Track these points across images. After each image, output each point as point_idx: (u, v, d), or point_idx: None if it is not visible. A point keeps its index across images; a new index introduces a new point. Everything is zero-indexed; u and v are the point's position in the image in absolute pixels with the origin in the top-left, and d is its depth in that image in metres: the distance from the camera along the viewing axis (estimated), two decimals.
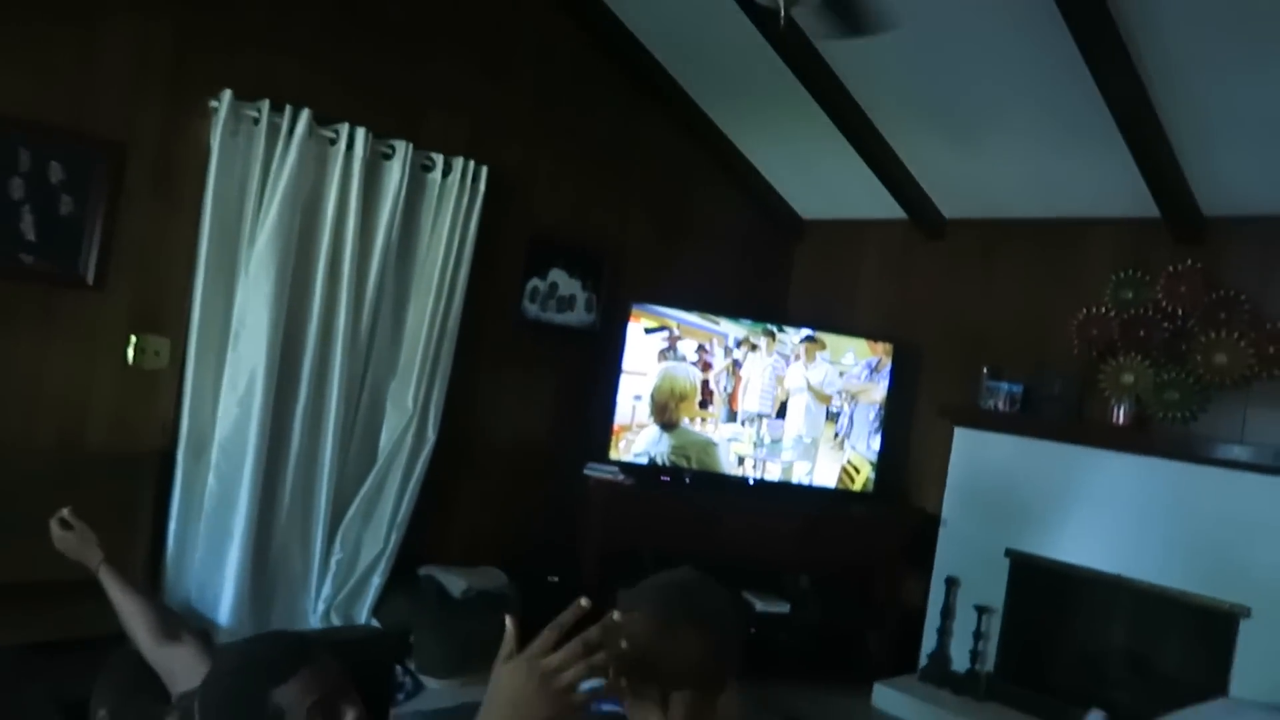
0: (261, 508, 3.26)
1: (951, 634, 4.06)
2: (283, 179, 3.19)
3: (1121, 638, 3.82)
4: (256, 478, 3.22)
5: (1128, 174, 3.56)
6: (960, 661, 4.02)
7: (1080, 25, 2.96)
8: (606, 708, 1.31)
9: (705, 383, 4.16)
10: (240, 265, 3.19)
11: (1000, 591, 3.99)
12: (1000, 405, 4.04)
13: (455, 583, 3.50)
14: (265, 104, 3.16)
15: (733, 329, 4.20)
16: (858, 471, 4.38)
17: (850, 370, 4.36)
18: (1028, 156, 3.88)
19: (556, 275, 4.13)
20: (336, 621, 3.41)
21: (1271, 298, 3.52)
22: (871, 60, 3.67)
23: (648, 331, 4.04)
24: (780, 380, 4.28)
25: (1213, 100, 3.16)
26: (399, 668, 3.15)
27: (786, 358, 4.28)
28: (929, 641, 4.13)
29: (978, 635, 3.96)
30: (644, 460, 4.06)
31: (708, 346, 4.16)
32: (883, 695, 3.96)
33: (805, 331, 4.30)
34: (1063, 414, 3.93)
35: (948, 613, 4.07)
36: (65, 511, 1.85)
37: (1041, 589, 3.93)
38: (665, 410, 4.10)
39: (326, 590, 3.45)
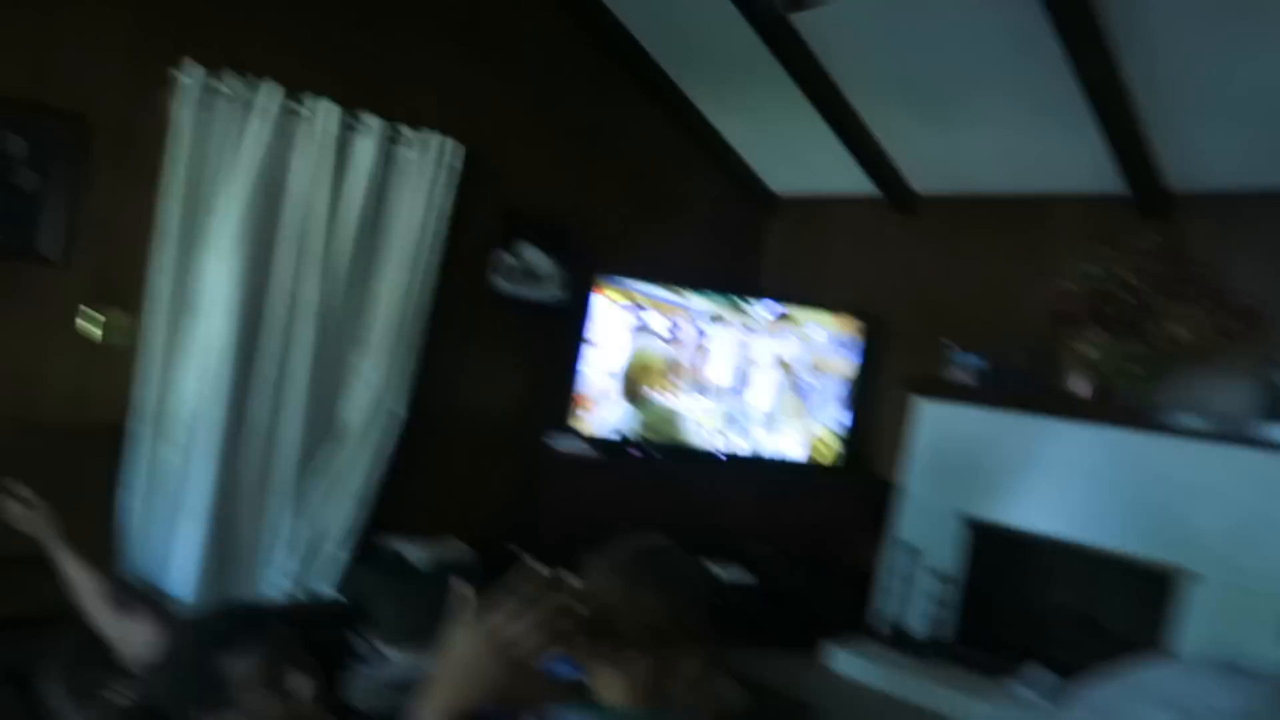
0: (222, 481, 3.27)
1: (908, 599, 4.18)
2: (248, 152, 3.18)
3: (1072, 599, 3.95)
4: (217, 451, 3.23)
5: (1097, 149, 3.61)
6: (916, 625, 4.14)
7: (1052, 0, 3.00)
8: (566, 671, 1.33)
9: (673, 356, 4.20)
10: (204, 238, 3.18)
11: (957, 557, 4.11)
12: (964, 378, 4.13)
13: (418, 554, 3.57)
14: (231, 76, 3.15)
15: (701, 303, 4.25)
16: (825, 445, 4.46)
17: (819, 344, 4.42)
18: (998, 131, 3.92)
19: (527, 250, 4.15)
20: (297, 594, 3.46)
21: (1234, 272, 3.61)
22: (845, 34, 3.69)
23: (615, 305, 4.08)
24: (748, 354, 4.34)
25: (1183, 75, 3.22)
26: (359, 638, 3.22)
27: (755, 331, 4.34)
28: (886, 606, 4.25)
29: (934, 599, 4.08)
30: (611, 434, 4.12)
31: (675, 320, 4.20)
32: (837, 657, 4.08)
33: (774, 305, 4.36)
34: (1025, 386, 4.02)
35: (905, 578, 4.18)
36: (18, 490, 1.88)
37: (997, 554, 4.05)
38: (633, 384, 4.15)
39: (287, 563, 3.48)
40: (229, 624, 1.47)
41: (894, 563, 4.23)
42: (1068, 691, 3.18)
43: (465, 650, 1.14)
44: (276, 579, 3.47)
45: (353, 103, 3.43)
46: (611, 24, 4.16)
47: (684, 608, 1.26)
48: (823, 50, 3.85)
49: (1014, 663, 3.71)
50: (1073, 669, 3.33)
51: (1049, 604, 3.99)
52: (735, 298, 4.29)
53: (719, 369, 4.29)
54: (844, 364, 4.45)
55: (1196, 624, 3.46)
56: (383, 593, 3.44)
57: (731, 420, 4.32)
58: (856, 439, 4.51)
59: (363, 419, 3.58)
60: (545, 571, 1.17)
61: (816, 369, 4.41)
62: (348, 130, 3.43)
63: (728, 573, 4.13)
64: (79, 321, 3.08)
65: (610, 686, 1.25)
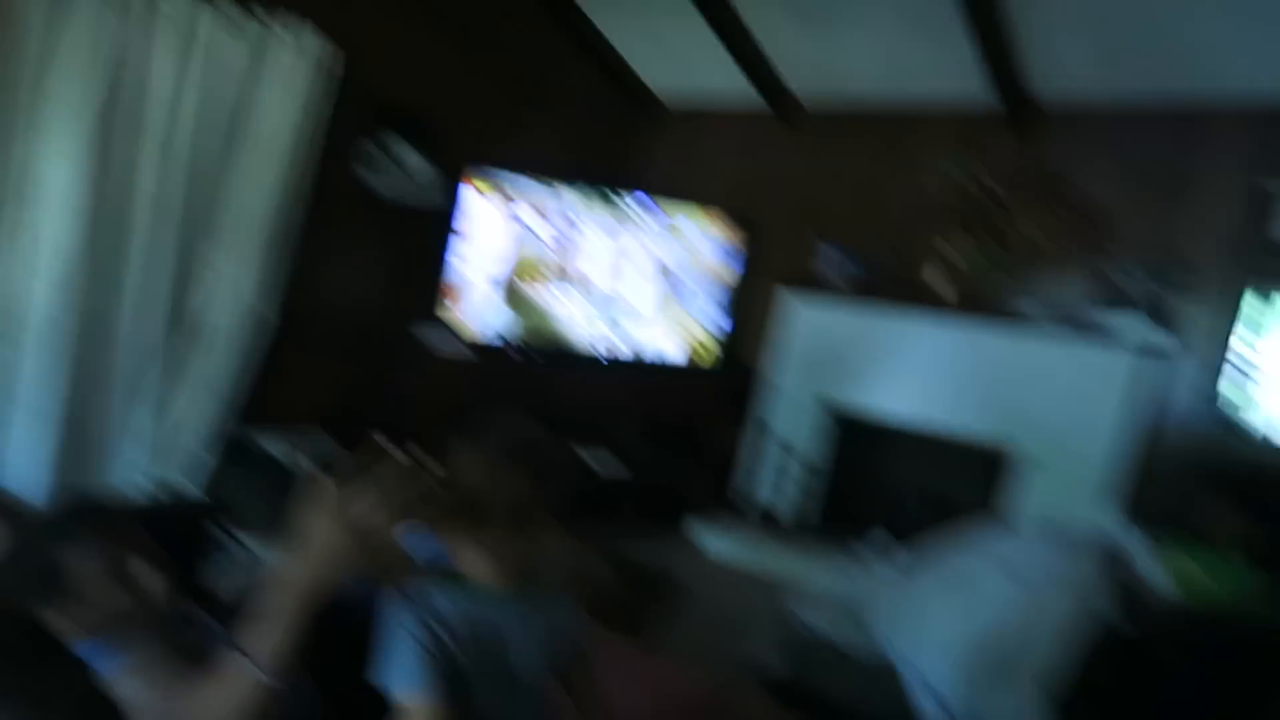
0: (74, 380, 3.10)
1: (773, 481, 4.39)
2: (97, 42, 2.95)
3: (923, 479, 4.23)
4: (66, 350, 3.06)
5: (967, 57, 3.71)
6: (780, 506, 4.37)
7: None
8: (431, 551, 1.34)
9: (548, 254, 4.15)
10: (45, 131, 2.95)
11: (820, 443, 4.32)
12: (833, 275, 4.27)
13: (284, 449, 3.51)
14: None
15: (576, 200, 4.19)
16: (704, 347, 4.54)
17: (697, 245, 4.45)
18: (874, 37, 3.96)
19: (399, 145, 3.98)
20: (157, 491, 3.36)
21: (1092, 181, 3.81)
22: None
23: (487, 199, 3.99)
24: (626, 254, 4.33)
25: None
26: (224, 533, 3.17)
27: (632, 231, 4.32)
28: (751, 488, 4.45)
29: (797, 482, 4.31)
30: (486, 331, 4.08)
31: (550, 217, 4.14)
32: (703, 535, 4.27)
33: (650, 203, 4.34)
34: (888, 285, 4.19)
35: (767, 460, 4.38)
36: None
37: (857, 439, 4.28)
38: (508, 282, 4.11)
39: (146, 461, 3.38)
40: (69, 518, 1.43)
41: (760, 447, 4.42)
42: (915, 560, 3.42)
43: (318, 533, 1.14)
44: (135, 477, 3.36)
45: None
46: None
47: (547, 486, 1.29)
48: None
49: (869, 538, 3.96)
50: (921, 542, 3.59)
51: (902, 484, 4.27)
52: (611, 194, 4.25)
53: (595, 268, 4.27)
54: (721, 265, 4.50)
55: (1028, 496, 3.78)
56: (248, 487, 3.38)
57: (608, 319, 4.34)
58: (733, 338, 4.61)
59: (226, 317, 3.43)
60: (399, 453, 1.17)
61: (695, 270, 4.45)
62: (210, 21, 3.18)
63: (598, 458, 4.22)
64: None
65: (474, 564, 1.28)
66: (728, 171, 4.80)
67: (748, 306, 4.63)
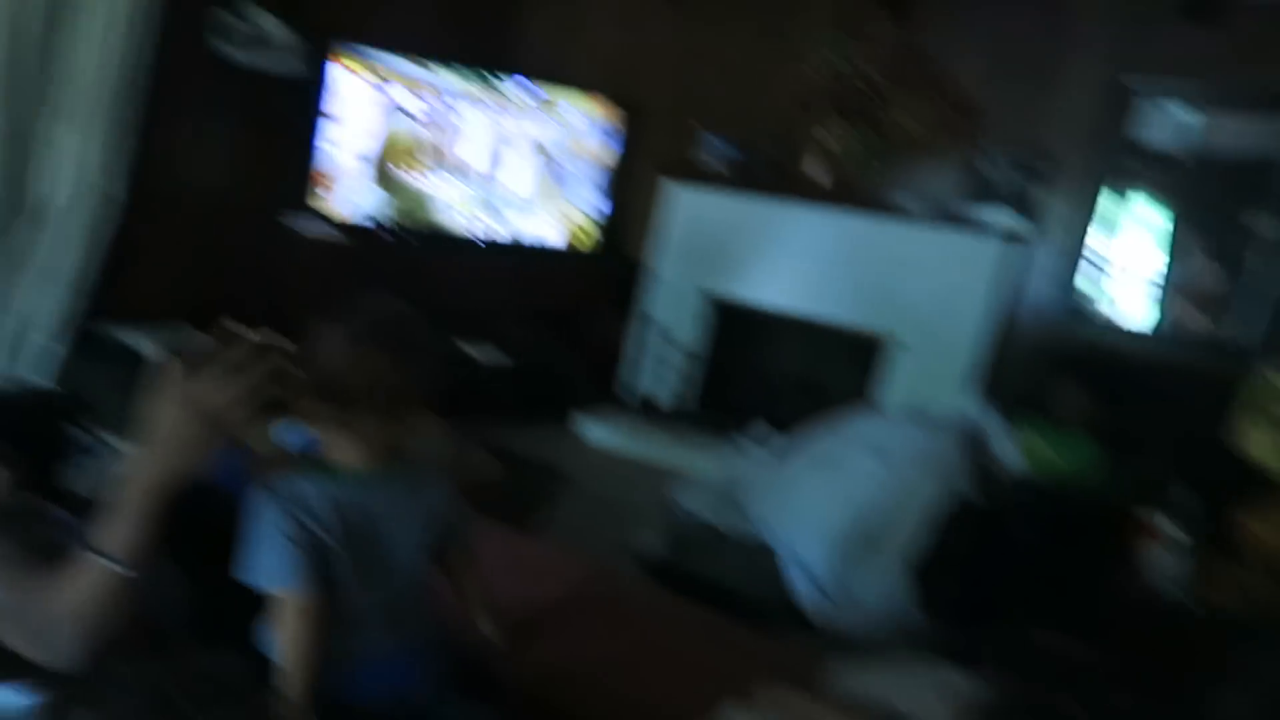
0: None
1: (654, 371, 4.45)
2: None
3: (798, 367, 4.36)
4: None
5: None
6: (658, 393, 4.44)
7: None
8: (299, 439, 1.31)
9: (423, 136, 3.97)
10: None
11: (699, 332, 4.38)
12: (714, 163, 4.25)
13: (143, 341, 3.33)
14: None
15: (451, 79, 4.00)
16: (583, 231, 4.48)
17: (577, 128, 4.34)
18: None
19: (257, 13, 3.69)
20: (3, 386, 3.16)
21: (964, 70, 3.86)
22: None
23: (357, 78, 3.76)
24: (503, 136, 4.19)
25: None
26: (81, 429, 3.02)
27: (510, 112, 4.17)
28: (633, 378, 4.50)
29: (674, 369, 4.38)
30: (358, 216, 3.91)
31: (424, 97, 3.95)
32: (587, 426, 4.32)
33: (528, 84, 4.19)
34: (769, 173, 4.20)
35: (649, 350, 4.43)
36: None
37: (735, 328, 4.36)
38: (381, 165, 3.92)
39: None
40: None
41: (642, 338, 4.46)
42: (790, 445, 3.55)
43: (164, 421, 1.09)
44: None
45: None
46: None
47: (414, 368, 1.25)
48: None
49: (747, 425, 4.08)
50: (797, 427, 3.72)
51: (779, 372, 4.39)
52: (487, 74, 4.08)
53: (473, 151, 4.12)
54: (602, 150, 4.41)
55: (897, 380, 3.95)
56: (105, 382, 3.20)
57: (487, 205, 4.22)
58: (613, 224, 4.56)
59: (67, 197, 3.17)
60: (252, 336, 1.12)
61: (574, 154, 4.36)
62: None
63: (480, 350, 4.18)
64: None
65: (342, 449, 1.24)
66: (607, 51, 4.66)
67: (629, 194, 4.59)
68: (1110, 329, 3.70)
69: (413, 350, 1.26)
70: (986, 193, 3.79)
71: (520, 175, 4.26)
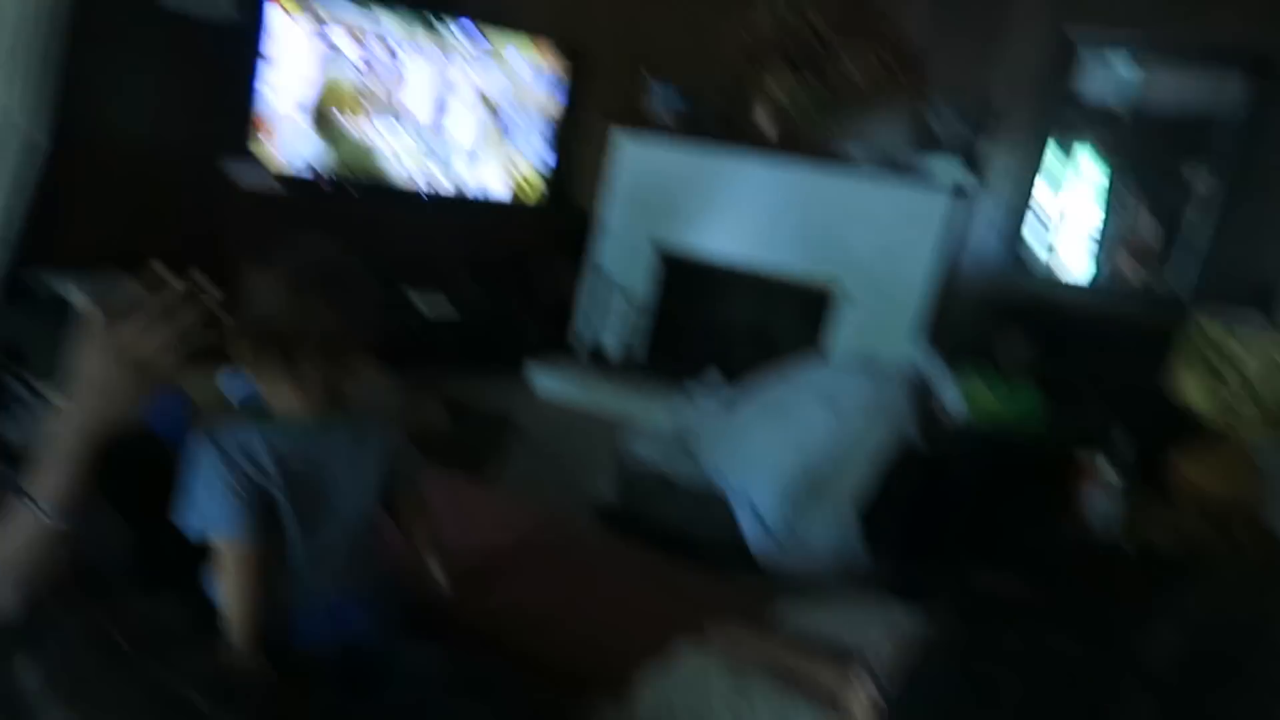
0: None
1: (605, 323, 4.44)
2: None
3: (748, 318, 4.38)
4: None
5: None
6: (610, 344, 4.44)
7: None
8: (241, 388, 1.29)
9: (366, 83, 3.86)
10: None
11: (649, 282, 4.37)
12: (663, 113, 4.21)
13: (74, 290, 3.23)
14: None
15: (394, 24, 3.88)
16: (529, 182, 4.42)
17: (522, 77, 4.25)
18: None
19: None
20: None
21: (912, 22, 3.85)
22: None
23: (296, 21, 3.63)
24: (448, 84, 4.09)
25: None
26: (9, 377, 2.93)
27: (454, 60, 4.07)
28: (582, 329, 4.49)
29: (625, 320, 4.37)
30: (299, 166, 3.81)
31: (366, 42, 3.83)
32: (539, 377, 4.31)
33: (472, 29, 4.08)
34: (717, 123, 4.17)
35: (600, 302, 4.41)
36: None
37: (685, 280, 4.35)
38: (323, 113, 3.81)
39: None
40: None
41: (592, 289, 4.43)
42: (740, 394, 3.57)
43: (91, 369, 1.06)
44: None
45: None
46: None
47: (351, 311, 1.23)
48: None
49: (697, 375, 4.09)
50: (746, 377, 3.75)
51: (728, 322, 4.41)
52: (431, 18, 3.96)
53: (416, 99, 4.02)
54: (548, 99, 4.34)
55: (845, 330, 3.99)
56: (37, 330, 3.11)
57: (431, 155, 4.13)
58: (559, 174, 4.51)
59: None
60: (178, 282, 1.08)
61: (520, 103, 4.27)
62: None
63: (430, 302, 4.12)
64: None
65: (283, 396, 1.22)
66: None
67: (577, 144, 4.53)
68: (1052, 280, 3.77)
69: (349, 294, 1.23)
70: (933, 144, 3.81)
71: (465, 125, 4.17)
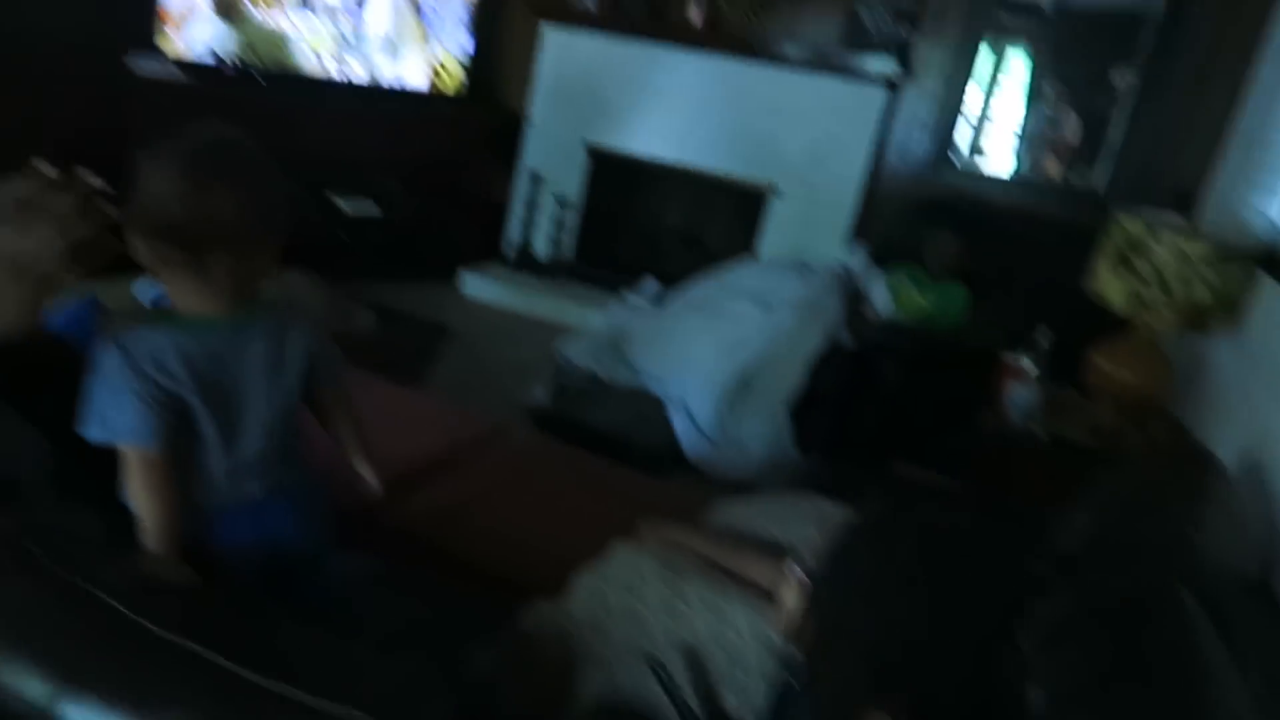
0: None
1: (534, 224, 4.36)
2: None
3: (679, 219, 4.35)
4: None
5: None
6: (542, 248, 4.37)
7: None
8: (148, 291, 1.23)
9: None
10: None
11: (579, 183, 4.29)
12: (589, 4, 4.05)
13: None
14: None
15: None
16: (448, 72, 4.25)
17: None
18: None
19: None
20: None
21: None
22: None
23: None
24: None
25: None
26: None
27: None
28: (513, 233, 4.41)
29: (557, 224, 4.30)
30: (205, 56, 3.60)
31: None
32: (470, 282, 4.24)
33: None
34: (646, 17, 4.04)
35: (531, 204, 4.32)
36: None
37: (615, 179, 4.27)
38: (230, 1, 3.58)
39: None
40: None
41: (522, 190, 4.34)
42: (674, 296, 3.57)
43: None
44: None
45: None
46: None
47: (254, 200, 1.14)
48: None
49: (629, 278, 4.07)
50: (679, 280, 3.74)
51: (660, 224, 4.36)
52: None
53: None
54: None
55: (777, 231, 3.99)
56: None
57: (346, 44, 3.94)
58: (481, 67, 4.34)
59: None
60: (62, 178, 1.01)
61: None
62: None
63: (354, 205, 4.00)
64: None
65: (189, 296, 1.16)
66: None
67: (502, 37, 4.37)
68: (979, 178, 3.80)
69: (250, 181, 1.15)
70: (864, 42, 3.76)
71: (381, 11, 3.97)
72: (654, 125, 4.12)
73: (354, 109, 4.01)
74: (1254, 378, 2.03)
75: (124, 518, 1.14)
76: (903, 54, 3.69)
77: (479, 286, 4.21)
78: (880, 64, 3.68)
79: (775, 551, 1.32)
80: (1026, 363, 2.41)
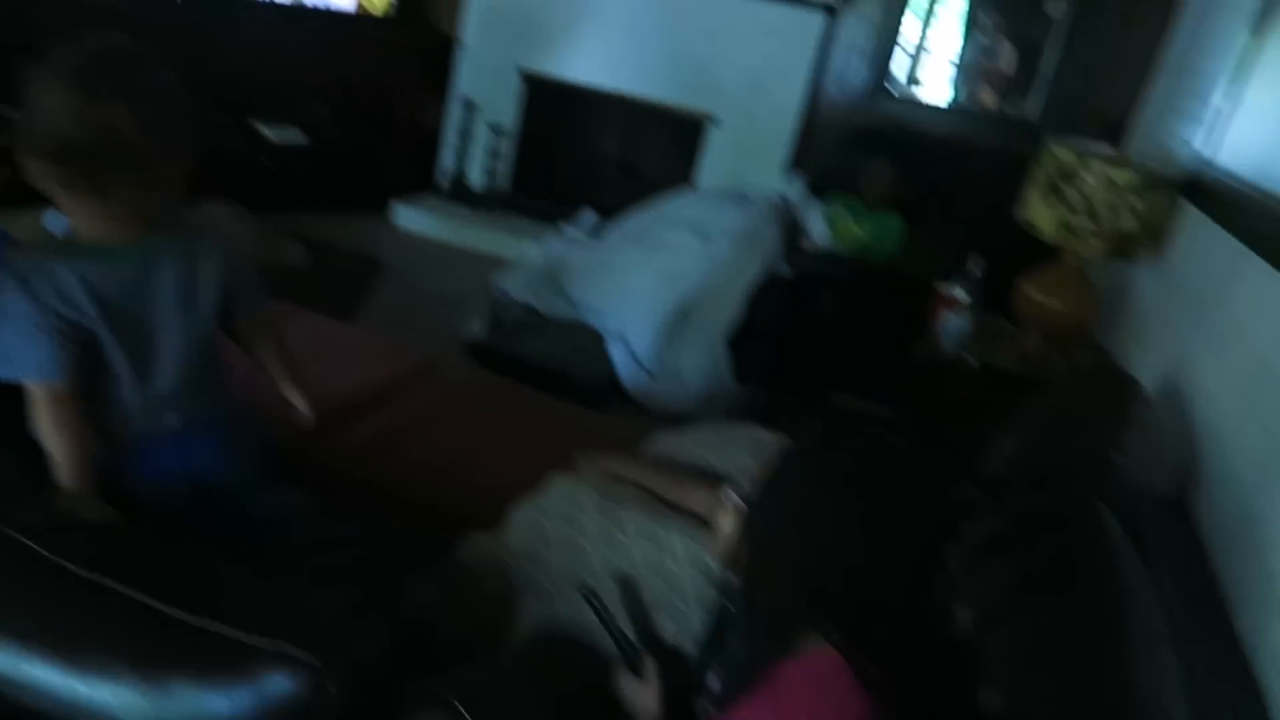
0: None
1: (468, 154, 4.25)
2: None
3: (616, 148, 4.28)
4: None
5: None
6: (476, 179, 4.27)
7: None
8: (55, 224, 1.16)
9: None
10: None
11: (514, 111, 4.19)
12: None
13: None
14: None
15: None
16: None
17: None
18: None
19: None
20: None
21: None
22: None
23: None
24: None
25: None
26: None
27: None
28: (447, 162, 4.30)
29: (492, 154, 4.20)
30: None
31: None
32: (403, 214, 4.14)
33: None
34: None
35: (464, 133, 4.21)
36: None
37: (552, 108, 4.18)
38: None
39: None
40: None
41: (457, 119, 4.22)
42: (612, 228, 3.53)
43: None
44: None
45: None
46: None
47: (158, 118, 1.06)
48: None
49: (566, 209, 4.01)
50: (617, 211, 3.69)
51: (597, 153, 4.29)
52: None
53: None
54: None
55: (715, 162, 3.95)
56: None
57: None
58: None
59: None
60: None
61: None
62: None
63: (279, 133, 3.85)
64: None
65: (92, 222, 1.10)
66: None
67: None
68: (916, 106, 3.80)
69: (148, 93, 1.06)
70: None
71: None
72: (591, 51, 4.02)
73: (276, 29, 3.85)
74: (1174, 304, 2.09)
75: (37, 455, 1.10)
76: None
77: (412, 218, 4.11)
78: None
79: (712, 480, 1.33)
80: (959, 292, 2.44)
